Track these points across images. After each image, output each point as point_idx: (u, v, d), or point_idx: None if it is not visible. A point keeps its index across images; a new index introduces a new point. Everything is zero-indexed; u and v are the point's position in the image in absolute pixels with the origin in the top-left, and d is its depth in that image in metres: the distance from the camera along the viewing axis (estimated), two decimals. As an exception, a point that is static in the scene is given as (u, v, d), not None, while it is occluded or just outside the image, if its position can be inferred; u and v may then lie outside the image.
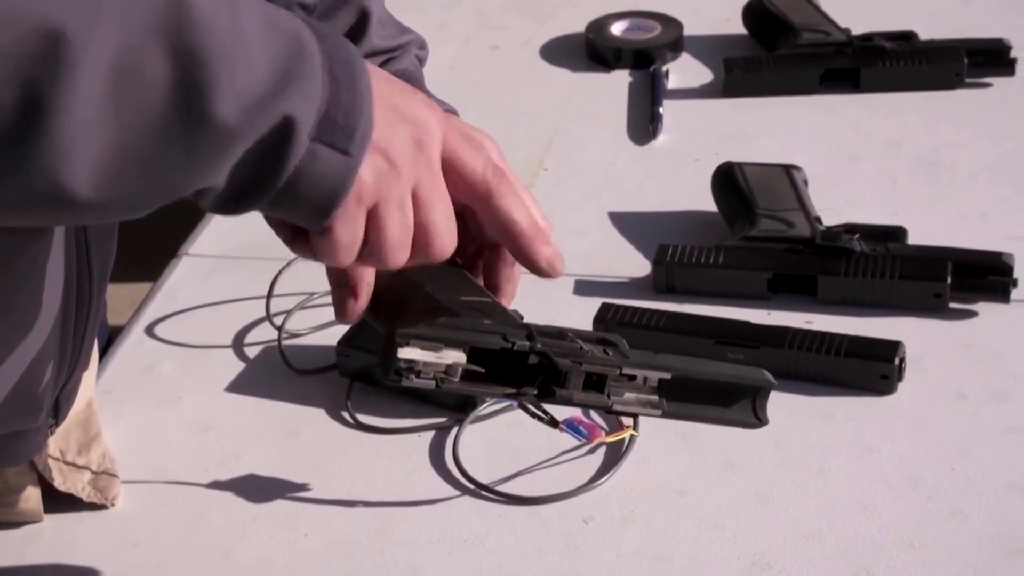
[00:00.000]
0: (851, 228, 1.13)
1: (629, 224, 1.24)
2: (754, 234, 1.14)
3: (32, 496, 0.96)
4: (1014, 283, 1.08)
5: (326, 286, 0.72)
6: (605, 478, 0.96)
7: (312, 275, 1.07)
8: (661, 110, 1.40)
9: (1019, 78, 1.40)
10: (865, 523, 0.91)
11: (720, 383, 0.77)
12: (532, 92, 1.49)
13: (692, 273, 1.13)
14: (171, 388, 1.09)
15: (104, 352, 1.14)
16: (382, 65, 0.84)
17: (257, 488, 0.98)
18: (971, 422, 0.98)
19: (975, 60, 1.40)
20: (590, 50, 1.54)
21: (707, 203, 1.22)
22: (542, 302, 1.11)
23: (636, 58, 1.51)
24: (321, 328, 1.12)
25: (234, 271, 1.21)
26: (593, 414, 0.98)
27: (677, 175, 1.31)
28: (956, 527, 0.90)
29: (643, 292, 1.14)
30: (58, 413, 0.89)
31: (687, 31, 1.53)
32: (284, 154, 0.60)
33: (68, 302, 0.81)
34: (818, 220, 1.15)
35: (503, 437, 1.00)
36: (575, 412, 0.90)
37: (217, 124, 0.57)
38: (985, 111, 1.37)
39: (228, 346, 1.13)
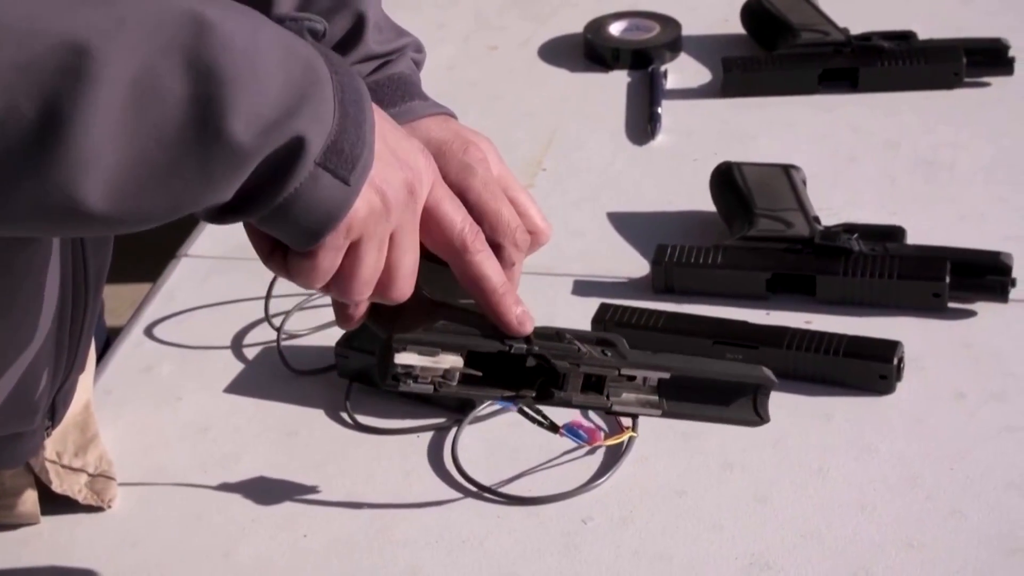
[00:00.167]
0: (850, 228, 1.13)
1: (628, 224, 1.24)
2: (753, 234, 1.14)
3: (29, 498, 0.96)
4: (1012, 283, 1.08)
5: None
6: (604, 478, 0.96)
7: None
8: (660, 110, 1.40)
9: (1018, 78, 1.40)
10: (864, 523, 0.91)
11: (720, 382, 0.77)
12: (531, 92, 1.49)
13: (691, 273, 1.13)
14: (170, 389, 1.09)
15: (103, 353, 1.14)
16: (378, 69, 0.85)
17: (256, 489, 0.98)
18: (970, 421, 0.98)
19: (973, 60, 1.40)
20: (588, 50, 1.54)
21: (706, 203, 1.22)
22: (541, 302, 1.11)
23: (634, 58, 1.51)
24: (320, 329, 1.12)
25: (233, 272, 1.21)
26: (593, 416, 0.98)
27: (676, 175, 1.31)
28: (955, 526, 0.90)
29: (642, 292, 1.14)
30: (55, 415, 0.89)
31: (685, 31, 1.53)
32: (289, 173, 0.61)
33: (64, 304, 0.81)
34: (817, 220, 1.15)
35: (502, 437, 1.00)
36: (575, 415, 0.90)
37: (232, 143, 0.58)
38: (984, 111, 1.37)
39: (227, 347, 1.13)
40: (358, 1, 0.86)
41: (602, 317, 1.07)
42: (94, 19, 0.56)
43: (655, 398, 0.77)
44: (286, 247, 0.66)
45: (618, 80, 1.49)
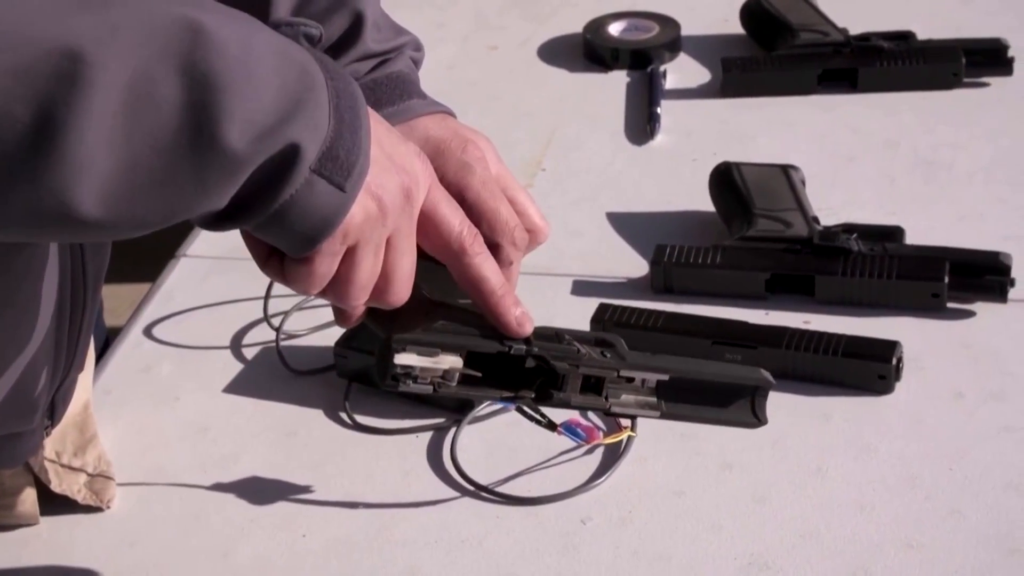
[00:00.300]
0: (849, 228, 1.13)
1: (627, 224, 1.24)
2: (752, 234, 1.14)
3: (28, 498, 0.96)
4: (1012, 283, 1.08)
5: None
6: (603, 478, 0.96)
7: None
8: (659, 110, 1.40)
9: (1017, 78, 1.40)
10: (863, 523, 0.91)
11: (718, 383, 0.77)
12: (530, 92, 1.49)
13: (690, 273, 1.13)
14: (169, 389, 1.09)
15: (102, 353, 1.14)
16: (376, 68, 0.85)
17: (255, 489, 0.98)
18: (969, 421, 0.98)
19: (973, 60, 1.40)
20: (588, 50, 1.54)
21: (705, 203, 1.22)
22: (540, 302, 1.11)
23: (634, 58, 1.51)
24: (319, 329, 1.12)
25: (232, 272, 1.21)
26: (591, 416, 0.98)
27: (675, 175, 1.31)
28: (954, 526, 0.90)
29: (641, 292, 1.14)
30: (54, 414, 0.89)
31: (685, 31, 1.53)
32: (284, 180, 0.61)
33: (63, 303, 0.81)
34: (816, 220, 1.15)
35: (501, 437, 1.00)
36: (573, 414, 0.90)
37: (226, 149, 0.58)
38: (983, 111, 1.37)
39: (226, 347, 1.13)
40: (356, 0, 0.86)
41: (601, 317, 1.07)
42: (89, 25, 0.56)
43: (653, 399, 0.77)
44: (283, 253, 0.66)
45: (617, 80, 1.49)
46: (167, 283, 1.22)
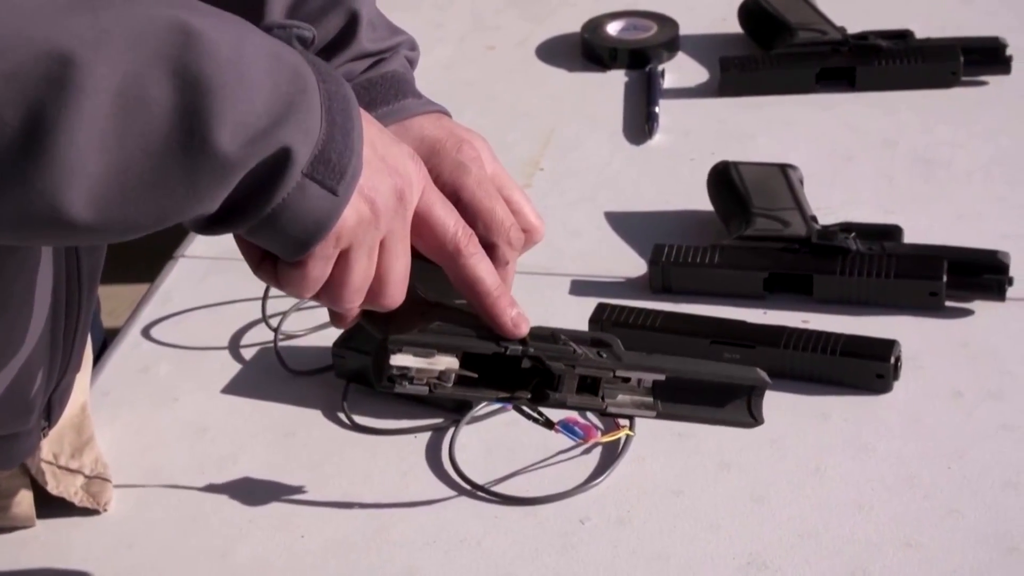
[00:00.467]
0: (847, 227, 1.13)
1: (625, 224, 1.24)
2: (750, 233, 1.14)
3: (25, 501, 0.95)
4: (1010, 281, 1.08)
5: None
6: (601, 478, 0.96)
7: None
8: (657, 110, 1.40)
9: (1015, 76, 1.40)
10: (861, 522, 0.91)
11: (714, 383, 0.77)
12: (528, 92, 1.49)
13: (688, 273, 1.13)
14: (167, 390, 1.09)
15: (100, 354, 1.14)
16: (371, 67, 0.84)
17: (253, 489, 0.98)
18: (967, 420, 0.98)
19: (971, 58, 1.40)
20: (586, 50, 1.54)
21: (703, 203, 1.22)
22: (539, 302, 1.11)
23: (632, 58, 1.51)
24: (317, 329, 1.12)
25: (230, 272, 1.21)
26: (589, 414, 0.98)
27: (673, 175, 1.31)
28: (952, 525, 0.90)
29: (639, 292, 1.14)
30: (50, 415, 0.89)
31: (683, 30, 1.53)
32: (276, 184, 0.61)
33: (58, 304, 0.81)
34: (814, 219, 1.15)
35: (499, 437, 1.00)
36: (571, 413, 0.90)
37: (218, 153, 0.58)
38: (981, 109, 1.37)
39: (224, 348, 1.13)
40: None
41: (599, 317, 1.07)
42: (79, 28, 0.56)
43: (650, 399, 0.77)
44: (276, 256, 0.66)
45: (615, 80, 1.49)
46: (165, 284, 1.22)
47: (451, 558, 0.91)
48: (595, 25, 1.54)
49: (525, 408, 0.80)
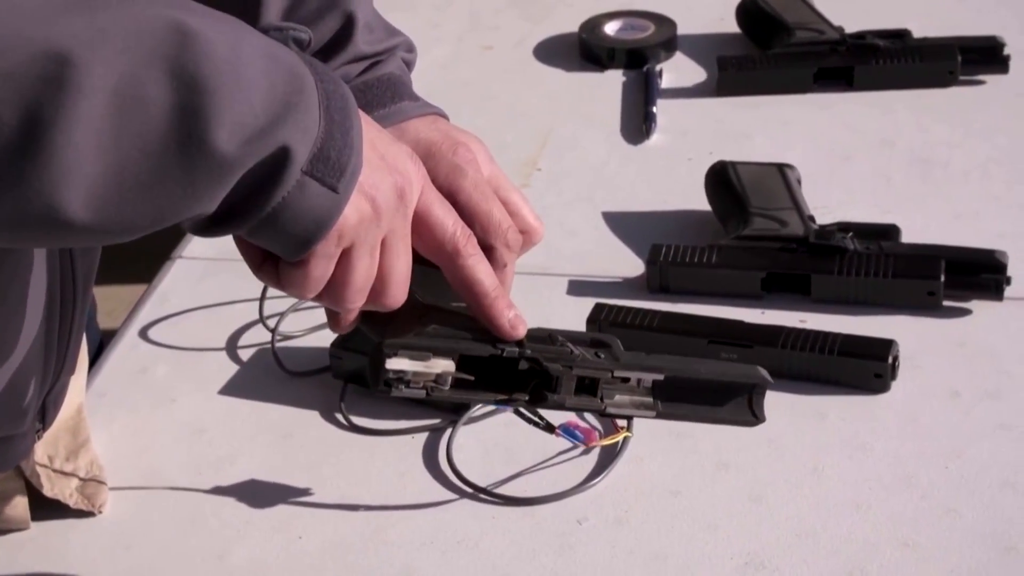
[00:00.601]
0: (844, 226, 1.13)
1: (623, 224, 1.24)
2: (747, 233, 1.14)
3: (20, 503, 0.95)
4: (1007, 281, 1.08)
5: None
6: (599, 478, 0.96)
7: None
8: (655, 109, 1.40)
9: (1013, 76, 1.40)
10: (859, 522, 0.91)
11: (715, 382, 0.77)
12: (525, 92, 1.49)
13: (686, 272, 1.13)
14: (164, 391, 1.09)
15: (97, 356, 1.14)
16: (368, 70, 0.84)
17: (251, 491, 0.98)
18: (965, 420, 0.98)
19: (968, 58, 1.40)
20: (584, 50, 1.53)
21: (701, 202, 1.22)
22: (536, 302, 1.11)
23: (630, 58, 1.51)
24: (314, 330, 1.12)
25: (227, 273, 1.21)
26: (589, 417, 0.98)
27: (670, 174, 1.31)
28: (950, 525, 0.90)
29: (637, 292, 1.14)
30: (45, 418, 0.89)
31: (681, 30, 1.53)
32: (276, 183, 0.61)
33: (52, 305, 0.81)
34: (811, 219, 1.15)
35: (497, 438, 1.00)
36: (571, 416, 0.90)
37: (215, 153, 0.58)
38: (978, 109, 1.37)
39: (221, 349, 1.13)
40: (348, 1, 0.85)
41: (597, 317, 1.07)
42: (76, 28, 0.56)
43: (649, 400, 0.77)
44: (277, 257, 0.66)
45: (613, 80, 1.49)
46: (162, 285, 1.22)
47: (449, 559, 0.91)
48: (593, 25, 1.54)
49: (526, 412, 0.80)
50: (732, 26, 1.53)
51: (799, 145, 1.33)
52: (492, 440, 1.00)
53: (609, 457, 0.98)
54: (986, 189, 1.24)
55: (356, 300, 0.68)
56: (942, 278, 1.07)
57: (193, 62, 0.58)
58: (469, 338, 0.73)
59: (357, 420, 1.03)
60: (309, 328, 1.12)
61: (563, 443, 0.95)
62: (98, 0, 0.57)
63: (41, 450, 0.95)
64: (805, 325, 1.05)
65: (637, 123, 1.40)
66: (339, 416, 1.04)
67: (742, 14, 1.53)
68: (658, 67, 1.48)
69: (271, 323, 1.12)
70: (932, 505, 0.91)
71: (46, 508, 0.96)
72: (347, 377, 1.06)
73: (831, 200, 1.23)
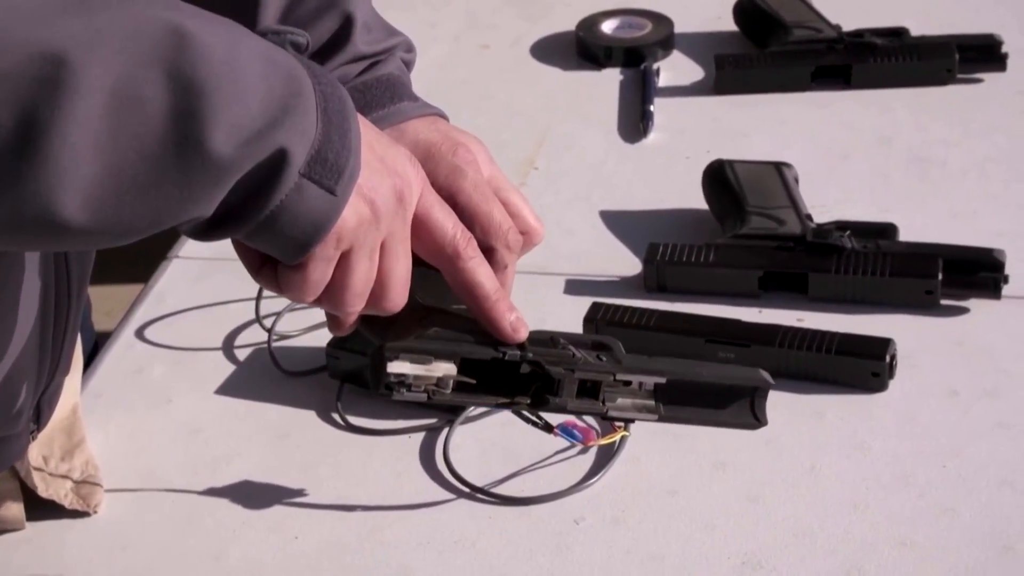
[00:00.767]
0: (842, 225, 1.13)
1: (620, 223, 1.24)
2: (745, 232, 1.13)
3: (14, 503, 0.95)
4: (1005, 279, 1.07)
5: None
6: (596, 478, 0.96)
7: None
8: (652, 108, 1.40)
9: (1010, 74, 1.39)
10: (857, 521, 0.90)
11: (717, 385, 0.77)
12: (523, 91, 1.49)
13: (683, 271, 1.12)
14: (161, 391, 1.09)
15: (92, 356, 1.14)
16: (367, 70, 0.84)
17: (247, 491, 0.98)
18: (963, 419, 0.98)
19: (966, 56, 1.39)
20: (581, 48, 1.53)
21: (698, 201, 1.22)
22: (533, 302, 1.11)
23: (627, 56, 1.50)
24: (311, 330, 1.12)
25: (224, 273, 1.21)
26: (586, 416, 0.98)
27: (668, 173, 1.31)
28: (948, 524, 0.90)
29: (634, 291, 1.14)
30: (40, 418, 0.89)
31: (678, 29, 1.52)
32: (273, 186, 0.61)
33: (47, 307, 0.81)
34: (809, 217, 1.15)
35: (494, 438, 1.00)
36: (569, 416, 0.89)
37: (212, 155, 0.58)
38: (976, 107, 1.37)
39: (218, 348, 1.13)
40: (346, 1, 0.85)
41: (594, 316, 1.07)
42: (73, 30, 0.56)
43: (651, 403, 0.77)
44: (276, 261, 0.66)
45: (610, 78, 1.48)
46: (159, 284, 1.22)
47: (445, 559, 0.91)
48: (590, 23, 1.54)
49: (524, 412, 0.80)
50: (729, 24, 1.53)
51: (797, 144, 1.32)
52: (489, 440, 1.00)
53: (606, 457, 0.97)
54: (984, 187, 1.24)
55: (355, 304, 0.68)
56: (940, 277, 1.07)
57: (190, 64, 0.58)
58: (470, 341, 0.73)
59: (354, 420, 1.03)
60: (306, 328, 1.12)
61: (560, 442, 0.94)
62: (95, 1, 0.57)
63: (36, 450, 0.95)
64: (802, 324, 1.05)
65: (634, 122, 1.39)
66: (336, 416, 1.04)
67: (739, 12, 1.52)
68: (655, 65, 1.47)
69: (267, 323, 1.12)
70: (930, 504, 0.91)
71: (41, 509, 0.96)
72: (344, 377, 1.06)
73: (829, 199, 1.22)
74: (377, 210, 0.66)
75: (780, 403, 0.98)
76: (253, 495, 0.97)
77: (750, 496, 0.93)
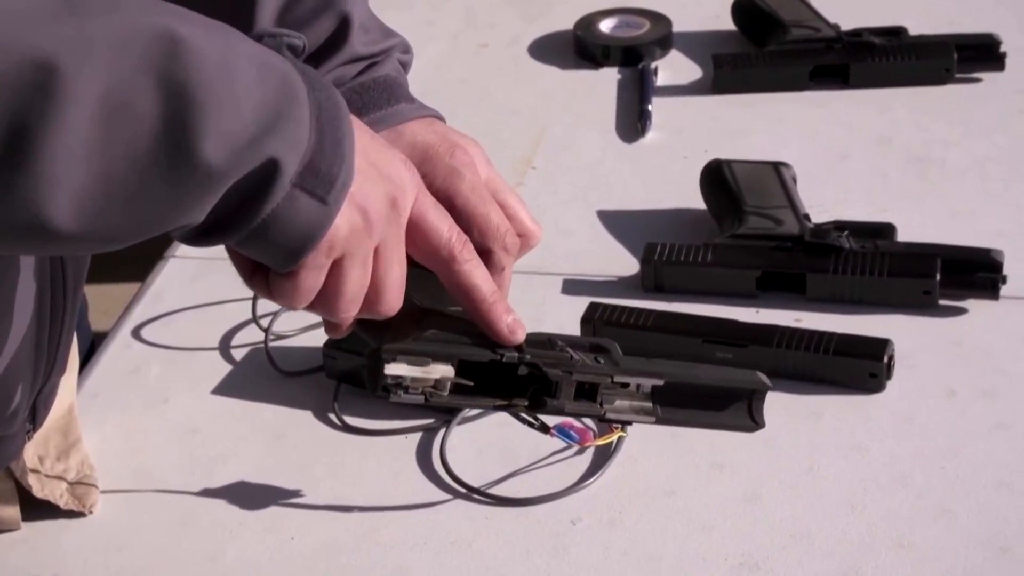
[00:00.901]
0: (840, 225, 1.12)
1: (617, 222, 1.24)
2: (742, 232, 1.13)
3: (10, 504, 0.95)
4: (1003, 280, 1.07)
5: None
6: (593, 479, 0.95)
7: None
8: (650, 107, 1.39)
9: (1009, 73, 1.39)
10: (854, 522, 0.90)
11: (715, 387, 0.77)
12: (520, 90, 1.48)
13: (680, 271, 1.12)
14: (157, 391, 1.08)
15: (88, 356, 1.13)
16: (364, 71, 0.84)
17: (243, 491, 0.97)
18: (960, 420, 0.98)
19: (965, 55, 1.39)
20: (579, 47, 1.53)
21: (696, 201, 1.22)
22: (530, 302, 1.11)
23: (625, 55, 1.50)
24: (307, 330, 1.11)
25: (221, 273, 1.20)
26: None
27: (666, 173, 1.31)
28: (946, 525, 0.89)
29: (631, 291, 1.13)
30: (35, 418, 0.88)
31: (676, 28, 1.52)
32: (264, 195, 0.61)
33: (42, 307, 0.81)
34: (807, 217, 1.14)
35: (490, 438, 1.00)
36: (566, 417, 0.89)
37: (203, 163, 0.58)
38: (975, 106, 1.37)
39: (215, 348, 1.12)
40: (343, 1, 0.85)
41: (591, 316, 1.07)
42: (63, 35, 0.55)
43: (649, 405, 0.76)
44: (268, 267, 0.66)
45: (608, 77, 1.48)
46: (156, 284, 1.21)
47: (442, 559, 0.91)
48: (588, 23, 1.54)
49: (522, 414, 0.80)
50: (728, 23, 1.53)
51: (795, 143, 1.32)
52: (486, 440, 1.00)
53: (603, 457, 0.97)
54: (982, 187, 1.24)
55: (348, 310, 0.68)
56: (938, 277, 1.07)
57: (182, 71, 0.57)
58: (468, 343, 0.73)
59: (350, 420, 1.03)
60: (302, 328, 1.12)
61: (557, 443, 0.94)
62: (87, 7, 0.57)
63: (32, 451, 0.95)
64: (800, 324, 1.05)
65: (632, 121, 1.39)
66: (332, 416, 1.04)
67: (738, 11, 1.52)
68: (653, 65, 1.47)
69: (264, 323, 1.12)
70: (928, 505, 0.91)
71: (37, 509, 0.96)
72: (340, 377, 1.05)
73: (827, 198, 1.22)
74: (370, 218, 0.65)
75: (778, 404, 0.98)
76: (250, 495, 0.97)
77: (747, 497, 0.93)
